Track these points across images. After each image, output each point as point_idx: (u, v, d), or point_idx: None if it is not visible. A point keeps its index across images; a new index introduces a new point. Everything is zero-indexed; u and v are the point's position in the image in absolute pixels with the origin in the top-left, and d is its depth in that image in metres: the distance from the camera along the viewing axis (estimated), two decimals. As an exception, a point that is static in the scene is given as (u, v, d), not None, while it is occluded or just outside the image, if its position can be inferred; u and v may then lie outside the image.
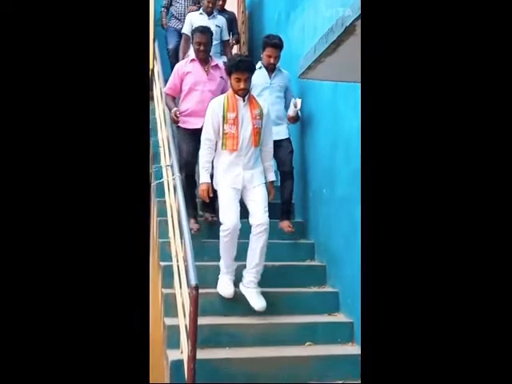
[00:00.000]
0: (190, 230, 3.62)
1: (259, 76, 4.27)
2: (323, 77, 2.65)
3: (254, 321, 3.41)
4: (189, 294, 2.85)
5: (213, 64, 4.26)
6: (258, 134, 3.58)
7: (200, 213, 4.15)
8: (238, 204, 3.53)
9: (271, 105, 4.14)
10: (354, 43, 2.03)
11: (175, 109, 4.09)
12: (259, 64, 4.36)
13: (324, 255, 4.07)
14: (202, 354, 2.89)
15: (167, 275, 3.52)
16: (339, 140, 3.85)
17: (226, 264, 3.52)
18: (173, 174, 3.75)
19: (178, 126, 4.19)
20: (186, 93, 4.18)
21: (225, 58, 5.22)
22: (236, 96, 3.59)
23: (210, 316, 3.32)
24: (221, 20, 5.33)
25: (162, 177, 4.01)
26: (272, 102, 4.24)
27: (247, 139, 3.55)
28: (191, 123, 4.09)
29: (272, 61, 4.29)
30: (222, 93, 4.06)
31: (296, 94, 4.46)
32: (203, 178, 3.58)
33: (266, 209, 3.55)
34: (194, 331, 2.70)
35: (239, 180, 3.55)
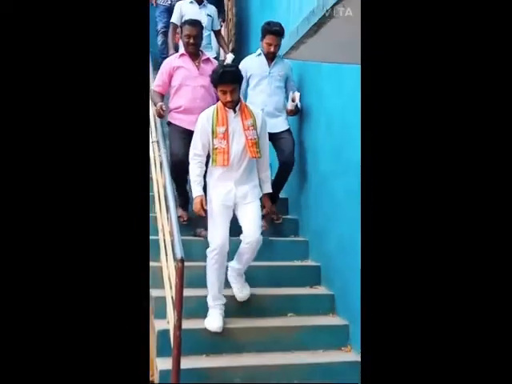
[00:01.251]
0: (179, 217, 3.65)
1: (258, 64, 4.16)
2: (306, 57, 2.72)
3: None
4: (175, 266, 2.95)
5: (204, 58, 4.10)
6: (254, 145, 3.35)
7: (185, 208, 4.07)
8: (228, 223, 3.35)
9: (270, 95, 4.03)
10: (335, 26, 2.11)
11: (160, 103, 3.90)
12: (258, 51, 4.22)
13: (307, 231, 4.20)
14: (187, 324, 3.01)
15: (153, 249, 3.61)
16: (321, 118, 3.94)
17: (213, 296, 3.31)
18: (159, 150, 3.81)
19: (170, 123, 4.05)
20: (176, 89, 4.01)
21: (214, 52, 5.15)
22: (226, 108, 3.36)
23: (195, 288, 3.43)
24: (211, 9, 5.15)
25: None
26: (271, 92, 4.11)
27: (239, 153, 3.33)
28: (185, 122, 3.95)
29: (272, 49, 4.11)
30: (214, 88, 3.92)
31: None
32: (195, 191, 3.38)
33: (259, 226, 3.38)
34: (180, 301, 2.81)
35: (230, 197, 3.34)
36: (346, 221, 3.49)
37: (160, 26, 5.69)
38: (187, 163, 3.69)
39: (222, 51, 5.42)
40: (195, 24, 4.02)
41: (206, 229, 3.58)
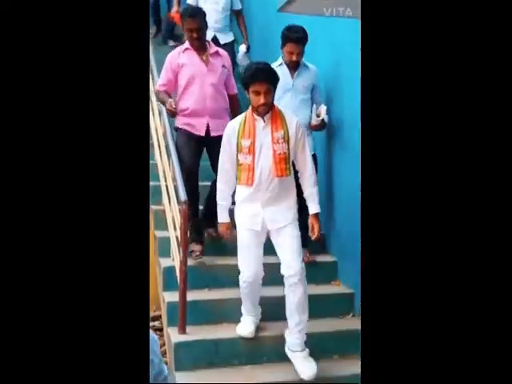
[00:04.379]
0: (191, 252, 3.44)
1: (280, 75, 3.39)
2: (301, 11, 2.84)
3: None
4: (179, 209, 3.18)
5: (212, 52, 3.60)
6: (282, 162, 2.86)
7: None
8: (260, 250, 2.96)
9: (294, 111, 3.39)
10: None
11: (170, 100, 3.47)
12: (279, 61, 3.68)
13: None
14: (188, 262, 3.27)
15: (156, 194, 3.83)
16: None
17: (246, 308, 3.15)
18: (157, 100, 3.90)
19: (177, 129, 3.63)
20: (183, 88, 3.55)
21: (232, 35, 4.76)
22: (254, 115, 2.90)
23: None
24: None
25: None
26: (295, 107, 3.56)
27: (267, 170, 2.86)
28: (192, 127, 3.54)
29: (294, 58, 3.58)
30: (225, 86, 3.63)
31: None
32: (221, 217, 3.04)
33: (299, 253, 2.92)
34: (185, 240, 3.08)
35: (258, 221, 2.90)
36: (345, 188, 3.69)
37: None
38: (198, 175, 3.51)
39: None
40: (195, 15, 3.52)
41: (216, 229, 3.38)
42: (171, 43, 5.78)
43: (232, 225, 3.05)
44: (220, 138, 3.39)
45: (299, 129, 2.93)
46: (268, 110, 2.88)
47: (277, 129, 2.87)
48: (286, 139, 2.88)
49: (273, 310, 3.20)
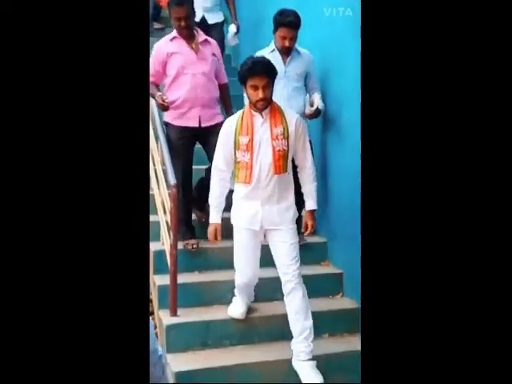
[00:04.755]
0: (186, 245, 3.43)
1: (272, 61, 3.31)
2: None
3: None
4: (169, 193, 3.19)
5: (201, 40, 3.52)
6: (281, 159, 2.78)
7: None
8: (257, 252, 2.89)
9: (287, 99, 3.39)
10: None
11: (159, 94, 3.38)
12: (271, 47, 3.58)
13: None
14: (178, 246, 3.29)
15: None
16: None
17: (240, 294, 3.12)
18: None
19: (167, 124, 3.53)
20: (172, 78, 3.45)
21: (222, 15, 4.61)
22: (252, 111, 2.81)
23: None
24: None
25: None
26: (287, 95, 3.48)
27: (266, 167, 2.78)
28: (184, 119, 3.46)
29: (287, 43, 3.46)
30: (215, 76, 3.55)
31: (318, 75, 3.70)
32: (212, 217, 2.93)
33: (297, 258, 2.85)
34: (176, 224, 3.09)
35: (257, 220, 2.82)
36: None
37: None
38: (191, 172, 3.47)
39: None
40: (183, 3, 3.38)
41: (205, 214, 3.39)
42: (156, 25, 5.71)
43: (221, 228, 2.94)
44: (211, 128, 3.42)
45: (299, 126, 2.85)
46: (267, 105, 2.79)
47: (276, 125, 2.79)
48: (286, 136, 2.80)
49: (264, 291, 3.26)
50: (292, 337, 2.90)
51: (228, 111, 3.68)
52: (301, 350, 2.84)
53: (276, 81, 3.17)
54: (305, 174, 2.93)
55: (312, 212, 2.98)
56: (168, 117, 3.53)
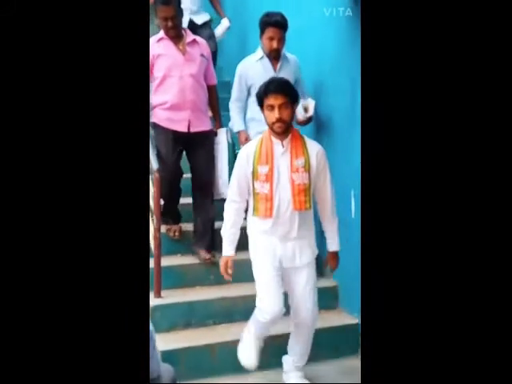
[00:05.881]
0: (168, 231, 3.52)
1: (260, 70, 3.38)
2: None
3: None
4: (151, 178, 3.26)
5: (189, 40, 3.40)
6: (302, 193, 2.54)
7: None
8: (279, 284, 2.62)
9: None
10: None
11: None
12: (259, 53, 3.47)
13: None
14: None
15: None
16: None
17: (260, 330, 2.73)
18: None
19: (155, 125, 3.40)
20: (159, 81, 3.35)
21: (207, 15, 4.49)
22: (272, 138, 2.58)
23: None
24: None
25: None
26: None
27: (286, 201, 2.55)
28: (172, 121, 3.37)
29: (275, 45, 3.35)
30: (204, 77, 3.45)
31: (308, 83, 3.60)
32: (225, 250, 2.71)
33: (314, 301, 2.68)
34: (158, 208, 3.18)
35: (276, 257, 2.62)
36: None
37: None
38: (180, 175, 3.41)
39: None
40: (169, 2, 3.25)
41: (208, 249, 3.39)
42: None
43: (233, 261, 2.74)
44: (201, 134, 3.39)
45: (322, 158, 2.61)
46: (286, 129, 2.54)
47: (297, 156, 2.55)
48: (307, 168, 2.55)
49: (248, 273, 3.32)
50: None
51: (215, 115, 3.65)
52: (292, 366, 2.85)
53: None
54: (326, 210, 2.70)
55: (335, 253, 2.77)
56: (156, 118, 3.42)
